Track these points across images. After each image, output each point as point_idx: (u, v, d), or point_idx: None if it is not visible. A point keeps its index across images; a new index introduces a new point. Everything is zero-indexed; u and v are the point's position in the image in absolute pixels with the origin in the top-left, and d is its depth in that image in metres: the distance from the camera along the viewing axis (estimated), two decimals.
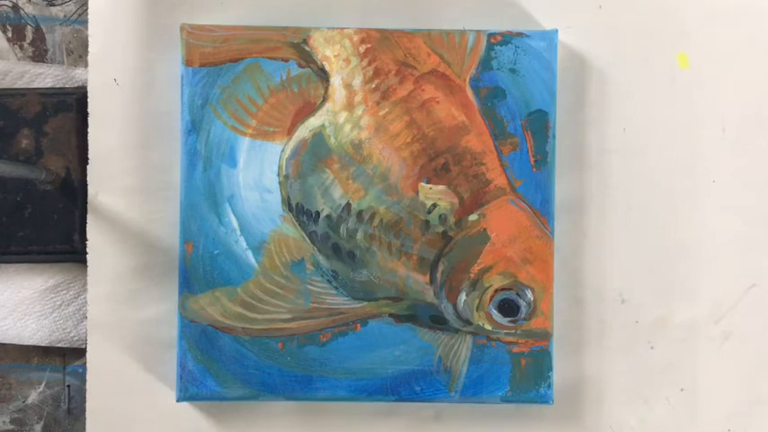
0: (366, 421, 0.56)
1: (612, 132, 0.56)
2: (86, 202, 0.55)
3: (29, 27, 0.58)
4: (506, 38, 0.54)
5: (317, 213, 0.53)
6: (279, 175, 0.54)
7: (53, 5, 0.58)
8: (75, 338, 0.57)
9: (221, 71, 0.54)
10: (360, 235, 0.53)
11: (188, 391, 0.53)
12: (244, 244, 0.53)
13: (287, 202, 0.54)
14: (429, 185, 0.53)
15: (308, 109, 0.54)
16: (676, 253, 0.56)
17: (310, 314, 0.53)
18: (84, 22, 0.57)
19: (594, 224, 0.56)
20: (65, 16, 0.58)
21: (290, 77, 0.54)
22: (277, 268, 0.53)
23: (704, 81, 0.57)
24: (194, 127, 0.54)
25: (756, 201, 0.57)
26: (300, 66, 0.54)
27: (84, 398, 0.55)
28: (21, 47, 0.58)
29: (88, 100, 0.55)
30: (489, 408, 0.56)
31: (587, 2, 0.57)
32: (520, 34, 0.54)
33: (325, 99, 0.54)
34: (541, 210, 0.54)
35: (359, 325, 0.53)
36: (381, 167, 0.54)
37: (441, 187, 0.54)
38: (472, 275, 0.53)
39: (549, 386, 0.53)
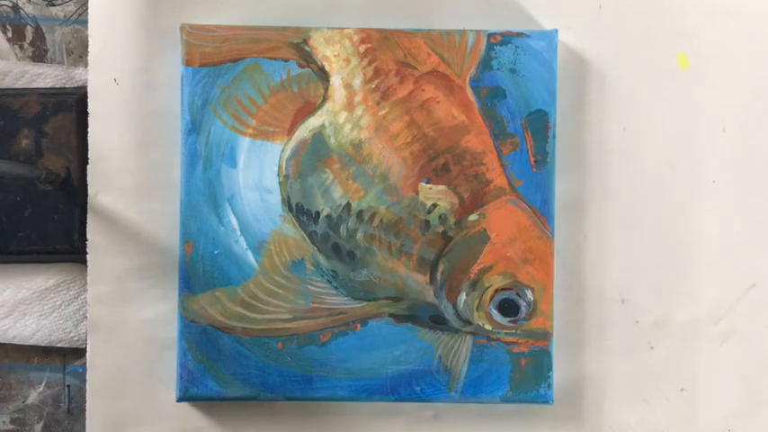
0: (366, 421, 0.56)
1: (612, 132, 0.56)
2: (86, 202, 0.55)
3: (29, 27, 0.58)
4: (506, 38, 0.54)
5: (317, 213, 0.53)
6: (279, 175, 0.54)
7: (53, 5, 0.58)
8: (75, 338, 0.57)
9: (221, 71, 0.54)
10: (360, 235, 0.53)
11: (188, 391, 0.53)
12: (244, 244, 0.53)
13: (287, 202, 0.54)
14: (429, 185, 0.53)
15: (308, 109, 0.54)
16: (676, 253, 0.56)
17: (310, 314, 0.53)
18: (84, 22, 0.57)
19: (594, 224, 0.56)
20: (65, 16, 0.58)
21: (290, 77, 0.54)
22: (277, 268, 0.53)
23: (704, 81, 0.56)
24: (194, 127, 0.54)
25: (756, 201, 0.56)
26: (300, 66, 0.54)
27: (84, 398, 0.55)
28: (21, 47, 0.58)
29: (88, 100, 0.55)
30: (489, 408, 0.56)
31: (587, 2, 0.57)
32: (520, 34, 0.54)
33: (325, 99, 0.54)
34: (541, 210, 0.54)
35: (359, 325, 0.53)
36: (381, 167, 0.54)
37: (441, 187, 0.54)
38: (472, 275, 0.53)
39: (549, 386, 0.53)
